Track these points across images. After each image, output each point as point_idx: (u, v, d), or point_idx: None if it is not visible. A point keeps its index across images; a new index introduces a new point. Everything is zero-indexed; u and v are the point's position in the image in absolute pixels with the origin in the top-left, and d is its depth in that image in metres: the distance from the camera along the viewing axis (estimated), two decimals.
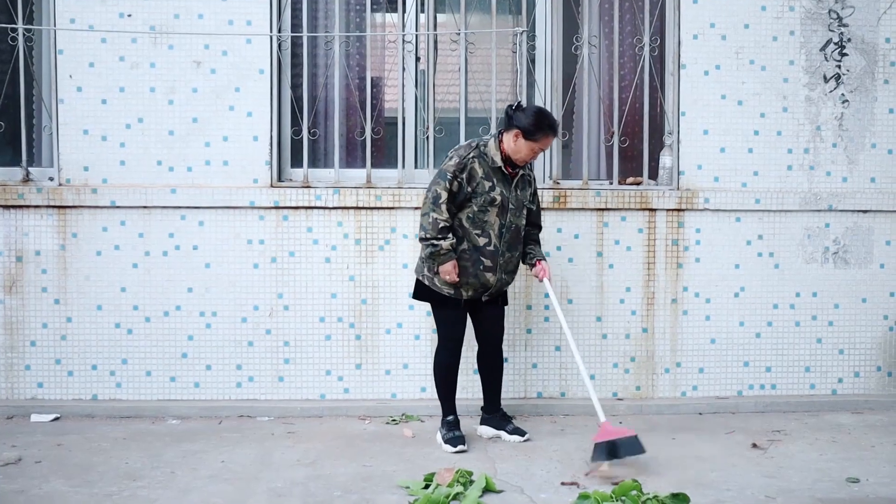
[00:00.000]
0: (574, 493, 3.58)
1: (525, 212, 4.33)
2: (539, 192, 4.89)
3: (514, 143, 4.13)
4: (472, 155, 4.15)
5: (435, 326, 4.83)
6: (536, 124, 4.10)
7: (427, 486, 3.64)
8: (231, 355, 4.93)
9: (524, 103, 4.28)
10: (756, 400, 5.03)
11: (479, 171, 4.14)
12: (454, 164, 4.13)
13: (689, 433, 4.55)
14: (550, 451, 4.21)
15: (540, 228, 4.51)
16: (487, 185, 4.15)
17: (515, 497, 3.60)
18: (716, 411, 4.97)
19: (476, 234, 4.19)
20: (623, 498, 3.44)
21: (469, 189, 4.14)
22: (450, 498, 3.49)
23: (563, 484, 3.68)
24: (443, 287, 4.23)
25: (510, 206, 4.22)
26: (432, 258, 4.14)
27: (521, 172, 4.26)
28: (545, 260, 4.45)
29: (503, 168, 4.18)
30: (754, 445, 4.31)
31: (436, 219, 4.10)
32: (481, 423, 4.50)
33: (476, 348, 4.50)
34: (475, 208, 4.15)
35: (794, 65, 5.01)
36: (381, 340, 4.97)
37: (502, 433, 4.41)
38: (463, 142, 4.92)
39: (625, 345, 5.04)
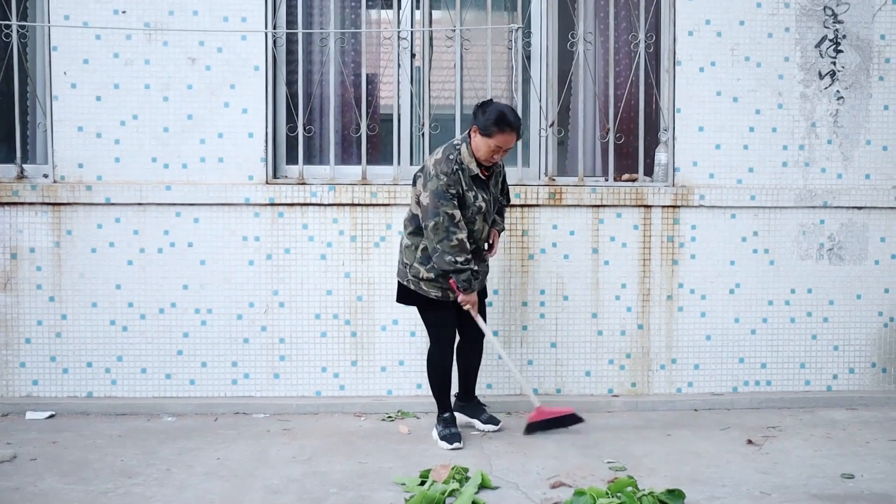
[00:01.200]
0: (564, 493, 3.58)
1: (497, 206, 4.42)
2: (534, 188, 4.92)
3: (473, 141, 4.12)
4: (454, 169, 4.08)
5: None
6: (492, 121, 4.04)
7: (423, 483, 3.64)
8: (226, 352, 4.93)
9: (491, 98, 4.26)
10: (751, 396, 5.04)
11: (464, 184, 4.11)
12: (445, 183, 4.05)
13: (685, 429, 4.55)
14: (546, 448, 4.21)
15: (508, 201, 4.57)
16: (471, 195, 4.13)
17: (511, 493, 3.61)
18: (711, 408, 4.97)
19: (468, 243, 4.19)
20: (619, 494, 3.44)
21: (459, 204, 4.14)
22: (445, 494, 3.49)
23: (551, 486, 3.67)
24: (430, 290, 4.22)
25: (491, 207, 4.27)
26: (467, 283, 4.10)
27: (493, 170, 4.27)
28: (499, 231, 4.53)
29: (480, 174, 4.15)
30: (749, 442, 4.32)
31: (461, 239, 4.06)
32: (456, 411, 4.49)
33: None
34: (466, 221, 4.15)
35: (789, 61, 5.02)
36: (376, 337, 4.97)
37: (476, 422, 4.48)
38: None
39: (620, 341, 5.05)
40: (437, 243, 4.08)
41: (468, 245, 4.10)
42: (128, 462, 3.99)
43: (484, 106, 4.12)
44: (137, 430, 4.50)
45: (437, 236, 4.07)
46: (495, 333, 4.93)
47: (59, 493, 3.59)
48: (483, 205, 4.17)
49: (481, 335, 4.44)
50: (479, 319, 4.29)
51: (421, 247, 4.20)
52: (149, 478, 3.78)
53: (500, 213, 4.52)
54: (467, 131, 4.19)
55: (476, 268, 4.15)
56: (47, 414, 4.74)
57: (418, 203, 4.17)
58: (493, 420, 4.47)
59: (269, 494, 3.59)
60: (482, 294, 4.47)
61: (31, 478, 3.77)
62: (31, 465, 3.93)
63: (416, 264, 4.22)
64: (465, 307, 4.22)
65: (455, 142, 4.20)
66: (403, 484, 3.68)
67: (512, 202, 4.75)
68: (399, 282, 4.35)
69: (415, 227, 4.22)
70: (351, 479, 3.78)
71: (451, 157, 4.12)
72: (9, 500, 3.52)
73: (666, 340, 5.06)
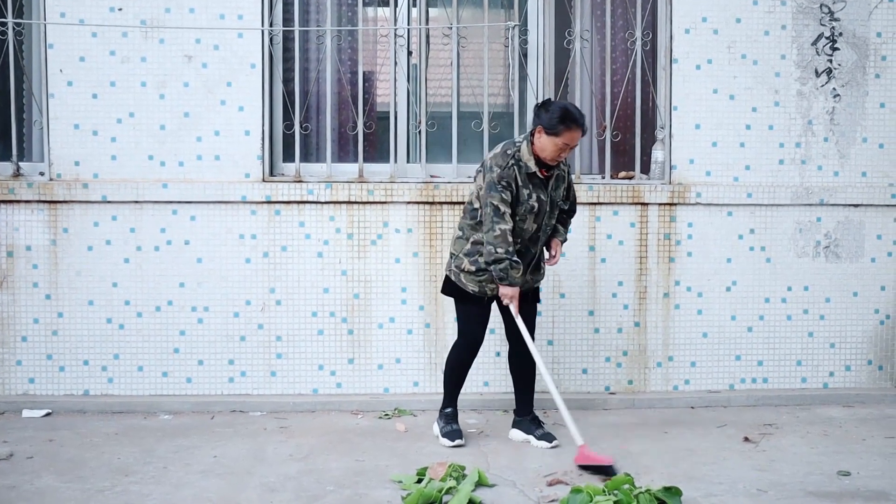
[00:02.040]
0: (561, 491, 3.58)
1: (557, 211, 4.24)
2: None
3: (538, 141, 4.03)
4: (510, 163, 4.01)
5: (429, 321, 4.85)
6: (557, 118, 3.95)
7: (420, 481, 3.64)
8: (223, 350, 4.93)
9: (553, 98, 4.16)
10: (748, 394, 5.04)
11: (519, 180, 4.03)
12: (498, 175, 3.99)
13: (681, 427, 4.56)
14: (543, 446, 4.21)
15: (573, 211, 4.42)
16: (525, 192, 4.04)
17: (508, 491, 3.61)
18: (708, 405, 4.98)
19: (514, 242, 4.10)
20: (616, 492, 3.44)
21: (512, 199, 4.05)
22: (442, 492, 3.49)
23: (548, 485, 3.67)
24: (468, 284, 4.15)
25: (546, 209, 4.13)
26: (504, 272, 4.00)
27: (555, 172, 4.15)
28: (561, 242, 4.37)
29: (538, 172, 4.06)
30: (746, 439, 4.33)
31: (504, 230, 3.97)
32: (513, 427, 4.39)
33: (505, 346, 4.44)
34: (516, 218, 4.05)
35: (785, 59, 5.02)
36: (373, 335, 4.97)
37: (531, 438, 4.28)
38: (455, 136, 4.95)
39: (617, 339, 5.05)
40: (484, 234, 4.04)
41: (510, 237, 4.01)
42: (124, 460, 3.99)
43: (546, 105, 4.05)
44: (134, 429, 4.50)
45: (485, 227, 4.03)
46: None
47: (55, 492, 3.59)
48: (536, 205, 4.06)
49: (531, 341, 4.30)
50: (518, 320, 4.15)
51: (472, 239, 4.14)
52: (145, 476, 3.78)
53: (564, 224, 4.37)
54: (529, 131, 4.10)
55: (518, 260, 4.03)
56: (44, 412, 4.74)
57: (478, 197, 4.11)
58: (547, 437, 4.23)
59: (265, 492, 3.59)
60: (532, 298, 4.34)
61: (27, 476, 3.76)
62: (27, 464, 3.93)
63: (461, 255, 4.16)
64: (505, 301, 4.11)
65: (517, 139, 4.15)
66: (400, 482, 3.68)
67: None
68: (446, 274, 4.29)
69: (471, 220, 4.16)
70: (348, 476, 3.78)
71: (509, 152, 4.07)
72: (5, 498, 3.52)
73: (663, 338, 5.06)
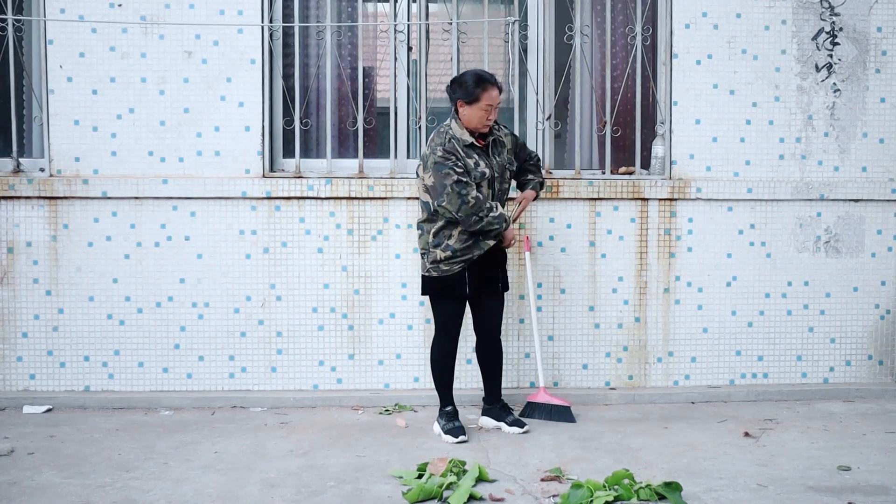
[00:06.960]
0: (557, 487, 3.58)
1: (508, 174, 4.38)
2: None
3: (464, 115, 4.17)
4: (447, 139, 4.15)
5: (429, 317, 4.85)
6: (472, 83, 4.14)
7: (420, 476, 3.65)
8: (224, 346, 4.93)
9: (459, 78, 4.29)
10: (748, 389, 5.05)
11: (461, 152, 4.15)
12: (443, 151, 4.11)
13: (682, 422, 4.56)
14: (543, 441, 4.21)
15: (537, 161, 4.57)
16: (471, 162, 4.16)
17: (508, 486, 3.61)
18: (708, 400, 4.98)
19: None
20: (616, 486, 3.45)
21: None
22: (443, 487, 3.49)
23: (542, 480, 3.67)
24: (453, 266, 4.19)
25: (496, 174, 4.27)
26: (500, 224, 4.17)
27: (490, 139, 4.27)
28: (534, 191, 4.54)
29: (475, 142, 4.20)
30: (746, 434, 4.33)
31: (476, 197, 4.09)
32: (483, 415, 4.49)
33: (474, 339, 4.50)
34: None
35: (785, 54, 5.02)
36: (373, 331, 4.97)
37: (502, 424, 4.39)
38: None
39: (617, 334, 5.05)
40: (456, 212, 4.10)
41: (482, 198, 4.13)
42: (125, 456, 3.99)
43: (456, 79, 4.23)
44: (135, 424, 4.51)
45: (454, 204, 4.09)
46: None
47: (56, 487, 3.59)
48: (487, 171, 4.19)
49: (496, 330, 4.41)
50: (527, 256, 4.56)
51: (433, 230, 4.20)
52: (146, 472, 3.78)
53: (532, 172, 4.51)
54: (451, 111, 4.24)
55: (501, 211, 4.19)
56: (44, 408, 4.74)
57: (426, 190, 4.18)
58: (518, 422, 4.37)
59: (266, 488, 3.60)
60: (503, 286, 4.42)
61: (28, 472, 3.77)
62: (28, 459, 3.94)
63: (431, 249, 4.22)
64: (510, 243, 4.34)
65: (443, 124, 4.27)
66: (401, 477, 3.68)
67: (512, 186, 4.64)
68: (422, 274, 4.34)
69: (427, 215, 4.23)
70: (348, 472, 3.78)
71: (442, 130, 4.21)
72: (6, 494, 3.52)
73: (663, 333, 5.06)
